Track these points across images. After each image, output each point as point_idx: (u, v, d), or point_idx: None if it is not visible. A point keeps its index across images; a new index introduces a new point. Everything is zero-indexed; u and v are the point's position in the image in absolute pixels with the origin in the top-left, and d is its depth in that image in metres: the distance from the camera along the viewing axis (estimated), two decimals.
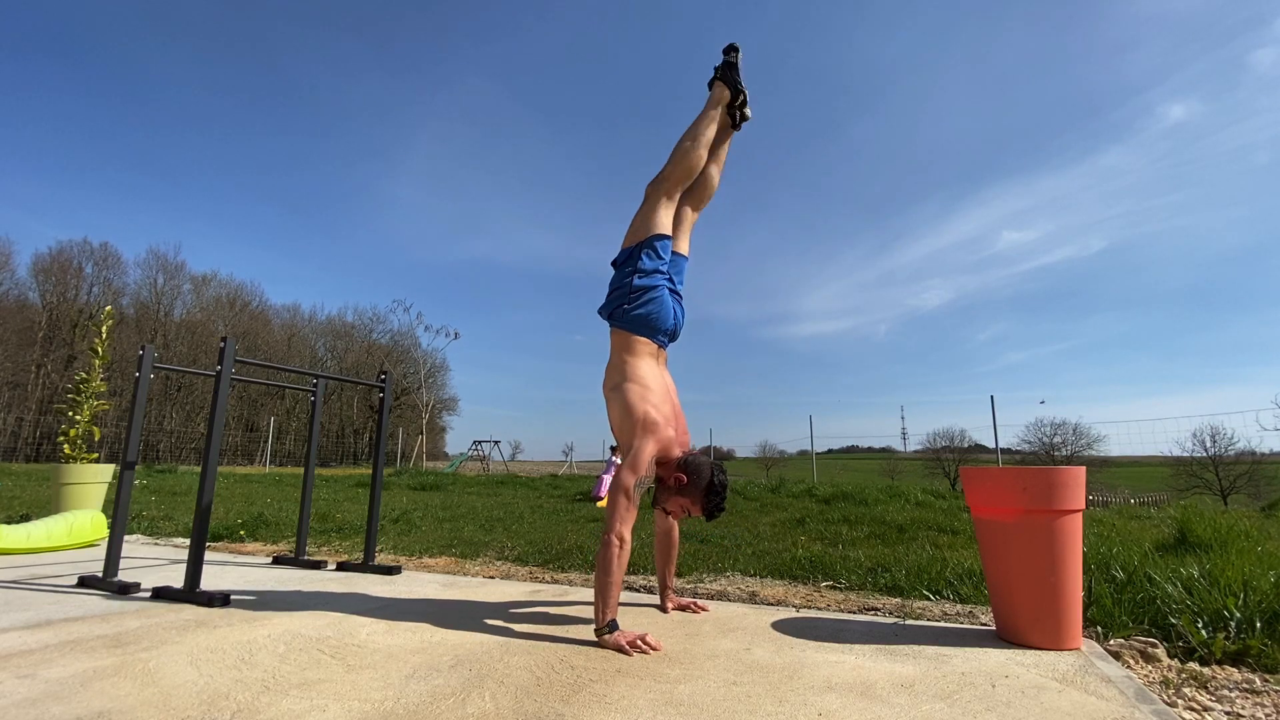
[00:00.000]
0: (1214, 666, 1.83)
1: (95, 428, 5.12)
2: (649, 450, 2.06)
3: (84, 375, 5.25)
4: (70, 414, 5.06)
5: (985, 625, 2.22)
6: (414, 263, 72.16)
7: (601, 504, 7.68)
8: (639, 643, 1.84)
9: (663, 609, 2.39)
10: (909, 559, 3.30)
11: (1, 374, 32.17)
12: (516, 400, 78.53)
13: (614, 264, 2.41)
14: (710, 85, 2.55)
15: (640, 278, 2.29)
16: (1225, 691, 1.64)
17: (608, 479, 8.91)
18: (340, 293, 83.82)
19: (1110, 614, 2.17)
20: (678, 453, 2.22)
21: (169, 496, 7.53)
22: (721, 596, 2.67)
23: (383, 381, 3.42)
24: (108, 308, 5.79)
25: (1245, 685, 1.69)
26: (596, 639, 1.90)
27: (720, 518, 2.21)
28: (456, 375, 61.30)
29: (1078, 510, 1.96)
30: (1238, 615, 1.98)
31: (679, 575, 3.07)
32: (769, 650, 1.87)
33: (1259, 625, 1.95)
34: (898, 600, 2.61)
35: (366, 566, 3.17)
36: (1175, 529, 3.77)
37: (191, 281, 41.50)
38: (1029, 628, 1.94)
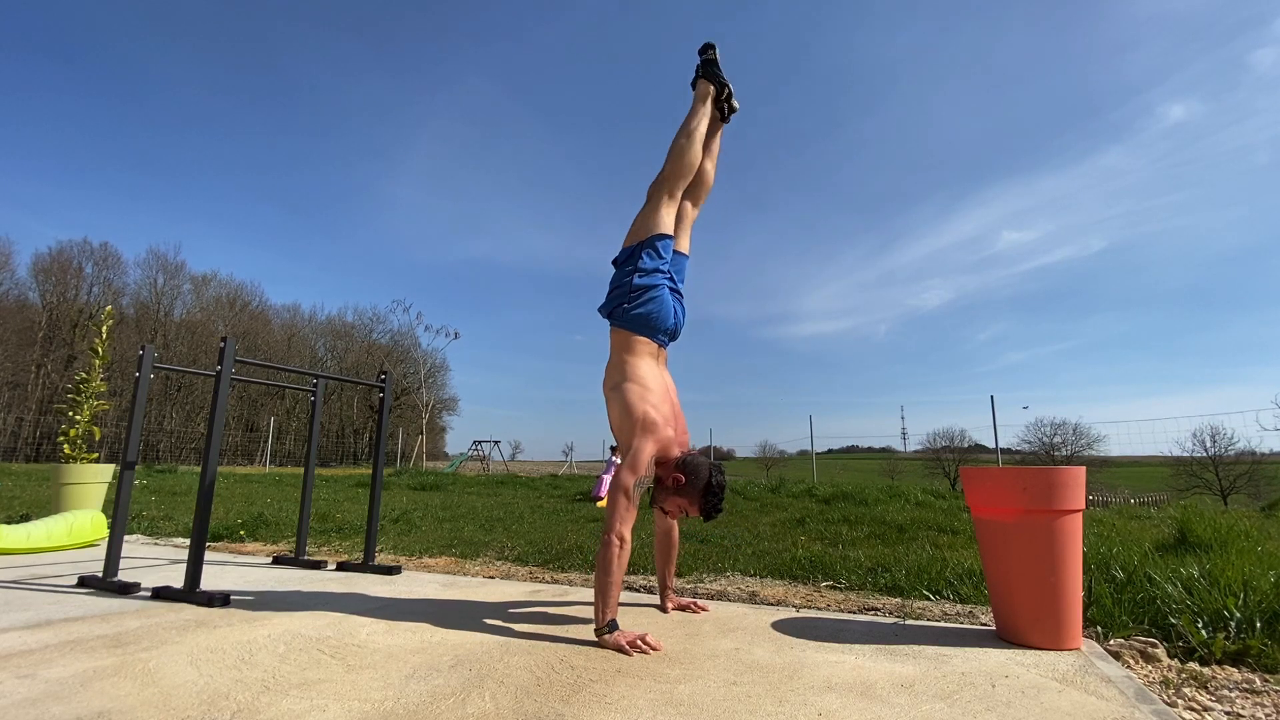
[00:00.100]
0: (1214, 666, 1.83)
1: (95, 428, 5.12)
2: (648, 450, 2.06)
3: (84, 375, 5.25)
4: (70, 414, 5.06)
5: (985, 625, 2.22)
6: (414, 263, 72.29)
7: (601, 504, 7.68)
8: (639, 643, 1.84)
9: (663, 609, 2.39)
10: (909, 559, 3.30)
11: (1, 374, 32.17)
12: (516, 400, 78.65)
13: (615, 263, 2.41)
14: (693, 85, 2.59)
15: (641, 277, 2.29)
16: (1225, 691, 1.64)
17: (607, 479, 8.90)
18: (340, 293, 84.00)
19: (1110, 614, 2.17)
20: (677, 453, 2.22)
21: (169, 496, 7.53)
22: (721, 596, 2.67)
23: (383, 381, 3.42)
24: (108, 308, 5.79)
25: (1245, 685, 1.69)
26: (596, 639, 1.90)
27: (720, 518, 2.22)
28: (456, 375, 61.32)
29: (1078, 510, 1.96)
30: (1238, 615, 1.98)
31: (679, 575, 3.07)
32: (769, 650, 1.87)
33: (1259, 625, 1.95)
34: (898, 600, 2.61)
35: (366, 566, 3.17)
36: (1175, 529, 3.77)
37: (191, 281, 41.58)
38: (1029, 628, 1.94)
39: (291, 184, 64.48)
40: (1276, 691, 1.64)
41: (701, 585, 2.88)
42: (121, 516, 2.72)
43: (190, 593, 2.40)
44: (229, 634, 1.96)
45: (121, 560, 2.72)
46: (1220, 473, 31.03)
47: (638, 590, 2.79)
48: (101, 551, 3.48)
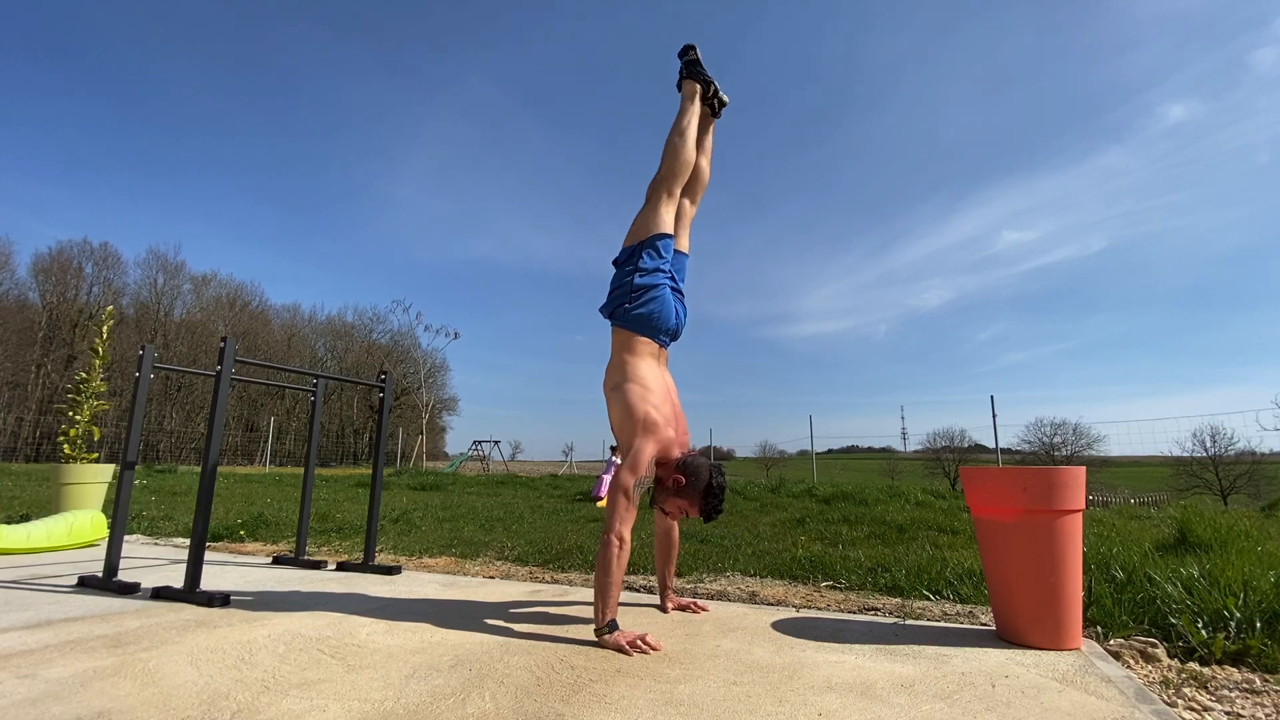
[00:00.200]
0: (1214, 666, 1.83)
1: (95, 428, 5.12)
2: (649, 451, 2.06)
3: (84, 375, 5.25)
4: (70, 414, 5.06)
5: (985, 625, 2.22)
6: (414, 263, 72.31)
7: (601, 504, 7.68)
8: (639, 643, 1.84)
9: (663, 609, 2.39)
10: (909, 559, 3.30)
11: (1, 374, 32.17)
12: (516, 400, 78.66)
13: (615, 263, 2.41)
14: (679, 87, 2.61)
15: (641, 276, 2.29)
16: (1225, 691, 1.64)
17: (607, 479, 8.90)
18: (340, 293, 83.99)
19: (1110, 614, 2.17)
20: (677, 453, 2.22)
21: (169, 496, 7.53)
22: (721, 596, 2.67)
23: (383, 381, 3.42)
24: (109, 308, 5.79)
25: (1245, 685, 1.69)
26: (596, 639, 1.90)
27: (720, 518, 2.22)
28: (456, 375, 61.38)
29: (1078, 510, 1.96)
30: (1238, 615, 1.98)
31: (679, 575, 3.07)
32: (769, 650, 1.87)
33: (1259, 625, 1.95)
34: (898, 600, 2.61)
35: (366, 566, 3.17)
36: (1175, 529, 3.77)
37: (191, 281, 41.58)
38: (1029, 628, 1.94)
39: (291, 184, 64.57)
40: (1276, 691, 1.64)
41: (701, 585, 2.88)
42: (121, 516, 2.72)
43: (190, 593, 2.40)
44: (229, 634, 1.96)
45: (121, 560, 2.72)
46: (1220, 473, 31.03)
47: (638, 590, 2.79)
48: (101, 551, 3.48)
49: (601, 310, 2.38)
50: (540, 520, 5.66)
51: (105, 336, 5.33)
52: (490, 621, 2.17)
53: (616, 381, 2.23)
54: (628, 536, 1.96)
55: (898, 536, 4.56)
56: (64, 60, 49.64)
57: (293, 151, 63.97)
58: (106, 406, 5.40)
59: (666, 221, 2.39)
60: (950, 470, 38.46)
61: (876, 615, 2.39)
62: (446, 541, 4.17)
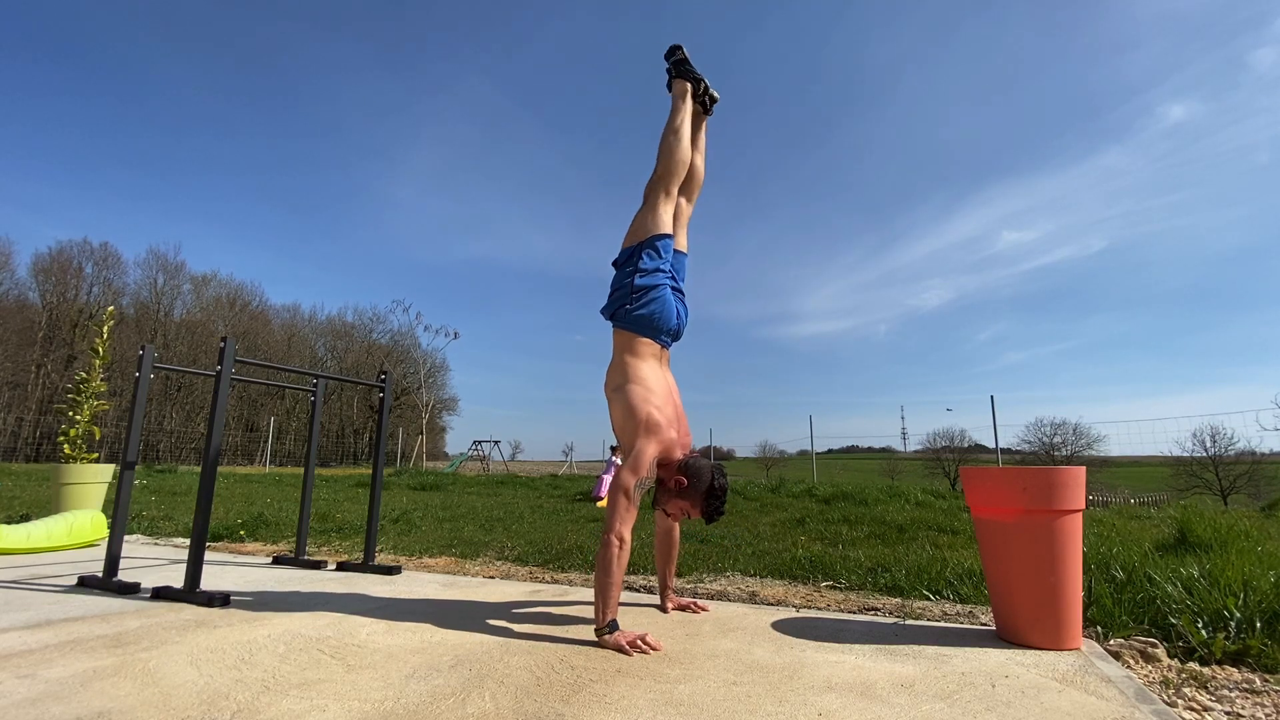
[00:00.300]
0: (1214, 666, 1.83)
1: (95, 428, 5.12)
2: (651, 451, 2.06)
3: (84, 375, 5.25)
4: (70, 414, 5.05)
5: (985, 625, 2.22)
6: (414, 263, 72.36)
7: (601, 504, 7.68)
8: (639, 643, 1.84)
9: (663, 609, 2.39)
10: (909, 559, 3.30)
11: (1, 374, 32.17)
12: (516, 400, 78.69)
13: (615, 264, 2.41)
14: (669, 87, 2.61)
15: (641, 277, 2.29)
16: (1225, 691, 1.64)
17: (608, 479, 8.90)
18: (340, 293, 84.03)
19: (1110, 614, 2.17)
20: (679, 455, 2.21)
21: (169, 496, 7.53)
22: (721, 596, 2.67)
23: (383, 381, 3.42)
24: (109, 308, 5.79)
25: (1245, 685, 1.69)
26: (596, 639, 1.90)
27: (720, 519, 2.22)
28: (456, 375, 61.40)
29: (1078, 510, 1.96)
30: (1238, 615, 1.98)
31: (679, 575, 3.07)
32: (769, 650, 1.87)
33: (1259, 625, 1.95)
34: (898, 600, 2.61)
35: (366, 566, 3.17)
36: (1175, 529, 3.77)
37: (191, 281, 41.58)
38: (1029, 628, 1.94)
39: (291, 184, 64.59)
40: (1276, 691, 1.64)
41: (701, 585, 2.88)
42: (121, 516, 2.72)
43: (190, 593, 2.40)
44: (229, 634, 1.96)
45: (121, 560, 2.72)
46: (1220, 473, 31.03)
47: (638, 590, 2.79)
48: (101, 551, 3.48)
49: (602, 312, 2.38)
50: (540, 520, 5.66)
51: (105, 336, 5.33)
52: (490, 621, 2.17)
53: (618, 383, 2.22)
54: (628, 537, 1.96)
55: (898, 536, 4.56)
56: (64, 60, 49.70)
57: (293, 151, 64.08)
58: (106, 406, 5.40)
59: (665, 221, 2.39)
60: (950, 470, 38.46)
61: (876, 615, 2.39)
62: (446, 541, 4.17)
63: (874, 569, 3.10)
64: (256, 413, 39.06)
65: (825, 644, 1.95)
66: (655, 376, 2.24)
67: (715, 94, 2.65)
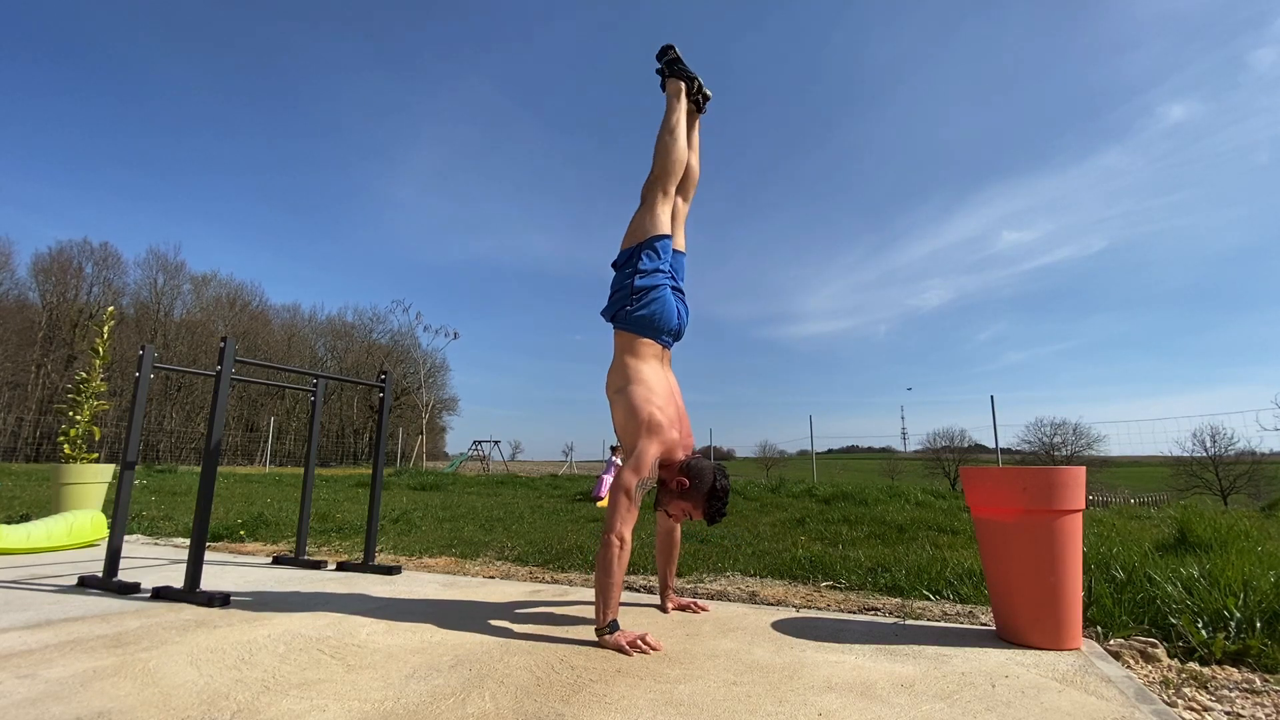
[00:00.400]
0: (1214, 666, 1.83)
1: (95, 428, 5.12)
2: (652, 452, 2.06)
3: (84, 375, 5.25)
4: (70, 414, 5.05)
5: (985, 625, 2.22)
6: (414, 263, 72.38)
7: (602, 504, 7.68)
8: (639, 643, 1.84)
9: (663, 609, 2.39)
10: (909, 559, 3.30)
11: (1, 374, 32.17)
12: (516, 400, 78.67)
13: (614, 265, 2.41)
14: (663, 86, 2.62)
15: (641, 278, 2.29)
16: (1225, 691, 1.64)
17: (608, 479, 8.90)
18: (340, 293, 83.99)
19: (1110, 614, 2.17)
20: (681, 455, 2.21)
21: (169, 496, 7.53)
22: (721, 596, 2.67)
23: (383, 381, 3.42)
24: (109, 308, 5.79)
25: (1245, 685, 1.69)
26: (597, 639, 1.90)
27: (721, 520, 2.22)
28: (456, 375, 61.42)
29: (1078, 510, 1.96)
30: (1238, 615, 1.98)
31: (679, 575, 3.07)
32: (769, 650, 1.87)
33: (1259, 625, 1.95)
34: (898, 600, 2.61)
35: (366, 566, 3.17)
36: (1175, 529, 3.77)
37: (191, 281, 41.58)
38: (1029, 628, 1.94)
39: (291, 184, 64.59)
40: (1276, 691, 1.64)
41: (701, 585, 2.88)
42: (121, 516, 2.72)
43: (190, 593, 2.40)
44: (229, 634, 1.96)
45: (121, 560, 2.72)
46: (1220, 473, 31.03)
47: (638, 590, 2.79)
48: (101, 551, 3.48)
49: (603, 313, 2.38)
50: (540, 520, 5.66)
51: (105, 337, 5.33)
52: (490, 621, 2.17)
53: (620, 384, 2.22)
54: (628, 537, 1.96)
55: (898, 536, 4.56)
56: (64, 60, 49.69)
57: (293, 151, 64.08)
58: (106, 406, 5.40)
59: (663, 222, 2.39)
60: (950, 470, 38.46)
61: (876, 615, 2.39)
62: (446, 541, 4.17)
63: (874, 569, 3.10)
64: (256, 413, 39.06)
65: (825, 644, 1.95)
66: (657, 377, 2.24)
67: (708, 92, 2.66)
